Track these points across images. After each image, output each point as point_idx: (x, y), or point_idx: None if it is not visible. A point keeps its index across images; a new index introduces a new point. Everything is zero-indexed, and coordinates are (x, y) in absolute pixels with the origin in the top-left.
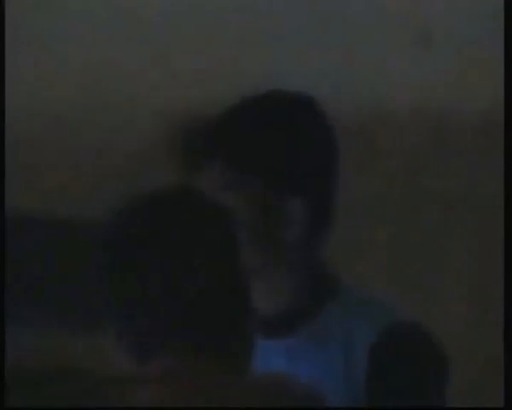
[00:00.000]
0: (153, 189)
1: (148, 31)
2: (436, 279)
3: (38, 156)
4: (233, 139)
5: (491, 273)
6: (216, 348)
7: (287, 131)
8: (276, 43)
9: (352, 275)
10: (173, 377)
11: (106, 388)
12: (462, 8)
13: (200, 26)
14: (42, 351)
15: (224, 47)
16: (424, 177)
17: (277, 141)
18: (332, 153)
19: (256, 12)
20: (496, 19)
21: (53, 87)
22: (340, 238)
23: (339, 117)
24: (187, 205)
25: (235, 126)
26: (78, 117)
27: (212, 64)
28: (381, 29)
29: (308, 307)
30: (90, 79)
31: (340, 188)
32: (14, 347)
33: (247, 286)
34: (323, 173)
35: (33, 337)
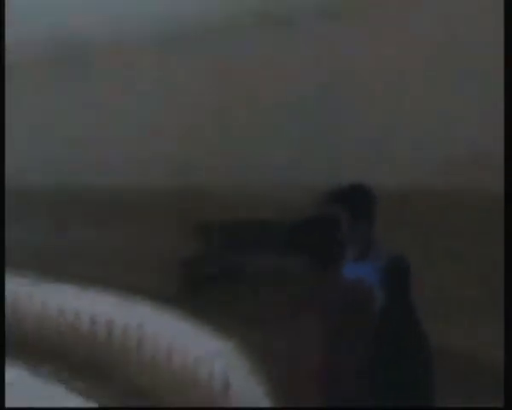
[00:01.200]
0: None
1: None
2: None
3: None
4: (348, 203)
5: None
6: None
7: (364, 200)
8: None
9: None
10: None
11: None
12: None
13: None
14: None
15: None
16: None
17: (359, 206)
18: (374, 210)
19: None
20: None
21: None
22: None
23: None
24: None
25: (348, 197)
26: None
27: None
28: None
29: (364, 254)
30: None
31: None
32: None
33: (343, 247)
34: (371, 219)
35: None
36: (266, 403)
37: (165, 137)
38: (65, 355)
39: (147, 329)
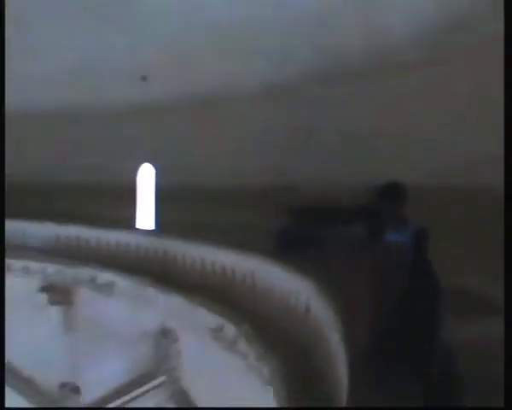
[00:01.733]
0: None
1: None
2: None
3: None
4: (390, 194)
5: None
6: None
7: (400, 192)
8: None
9: None
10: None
11: None
12: None
13: None
14: None
15: None
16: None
17: (397, 196)
18: (406, 199)
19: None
20: None
21: None
22: None
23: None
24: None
25: (390, 190)
26: None
27: None
28: None
29: (400, 227)
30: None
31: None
32: None
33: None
34: (405, 204)
35: None
36: (334, 321)
37: (268, 155)
38: (207, 291)
39: (257, 273)
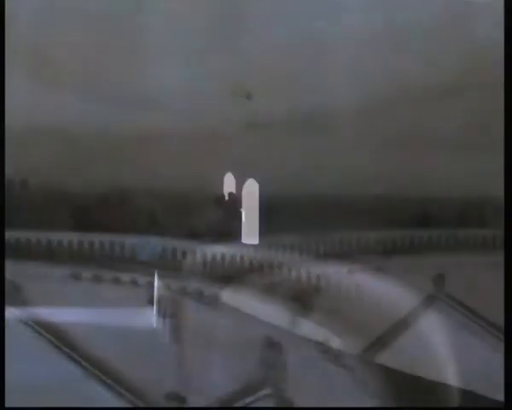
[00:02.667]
0: None
1: None
2: None
3: None
4: None
5: None
6: None
7: None
8: None
9: None
10: None
11: None
12: None
13: None
14: None
15: None
16: None
17: None
18: None
19: None
20: None
21: None
22: None
23: None
24: None
25: None
26: None
27: None
28: None
29: None
30: None
31: None
32: None
33: None
34: None
35: None
36: (445, 331)
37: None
38: (313, 303)
39: (364, 285)
